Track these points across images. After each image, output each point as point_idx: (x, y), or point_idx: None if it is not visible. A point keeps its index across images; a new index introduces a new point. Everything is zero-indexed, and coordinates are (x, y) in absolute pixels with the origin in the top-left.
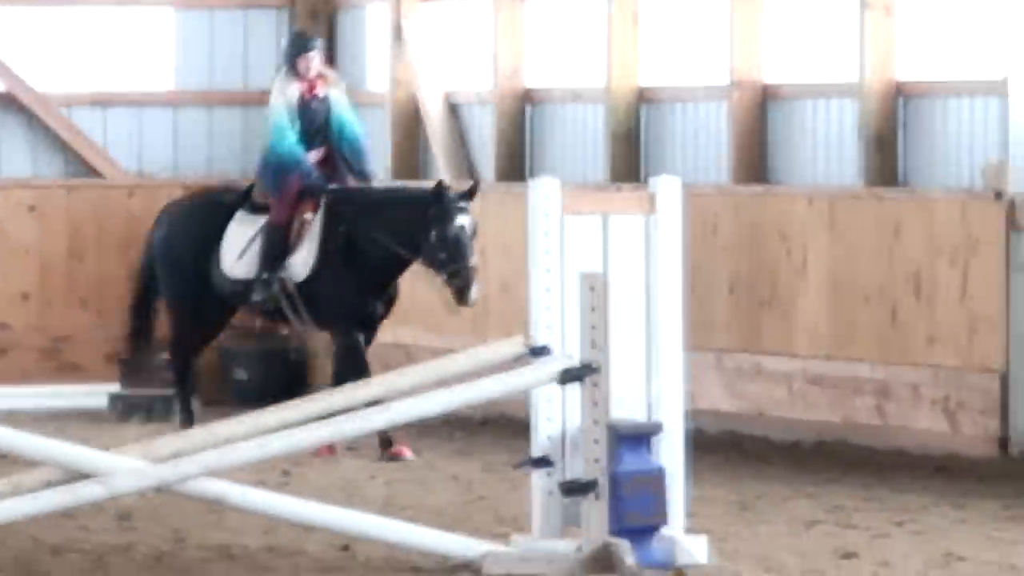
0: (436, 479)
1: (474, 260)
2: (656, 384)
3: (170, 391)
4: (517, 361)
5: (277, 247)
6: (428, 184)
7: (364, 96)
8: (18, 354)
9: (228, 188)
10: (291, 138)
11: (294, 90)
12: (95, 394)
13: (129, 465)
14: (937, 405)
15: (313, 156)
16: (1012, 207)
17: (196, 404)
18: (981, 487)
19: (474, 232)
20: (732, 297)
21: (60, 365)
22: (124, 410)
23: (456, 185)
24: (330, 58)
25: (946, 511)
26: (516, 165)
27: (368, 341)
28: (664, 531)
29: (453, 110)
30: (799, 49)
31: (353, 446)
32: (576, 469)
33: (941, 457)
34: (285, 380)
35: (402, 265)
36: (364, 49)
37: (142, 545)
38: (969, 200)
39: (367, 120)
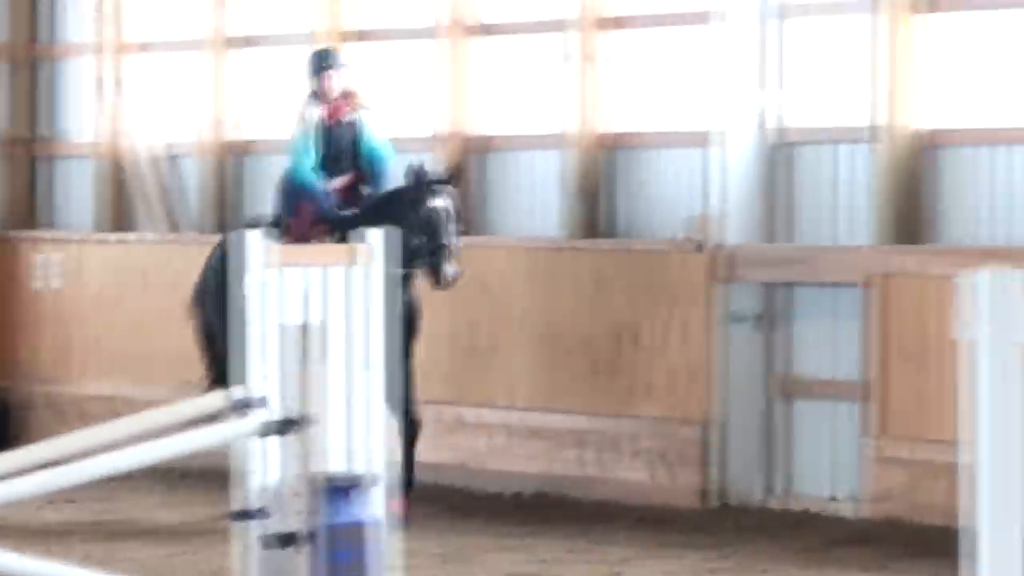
0: (138, 532)
1: (452, 239)
2: (364, 436)
3: None
4: (223, 413)
5: None
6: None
7: (70, 147)
8: None
9: (260, 217)
10: (307, 163)
11: (315, 113)
12: None
13: None
14: (640, 456)
15: (336, 183)
16: (714, 259)
17: None
18: (683, 538)
19: (455, 213)
20: (439, 348)
21: None
22: None
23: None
24: (32, 109)
25: (649, 563)
26: (223, 216)
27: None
28: None
29: (166, 161)
30: (506, 101)
31: (71, 498)
32: (288, 521)
33: (644, 508)
34: None
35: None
36: (69, 100)
37: None
38: (672, 251)
39: (71, 172)
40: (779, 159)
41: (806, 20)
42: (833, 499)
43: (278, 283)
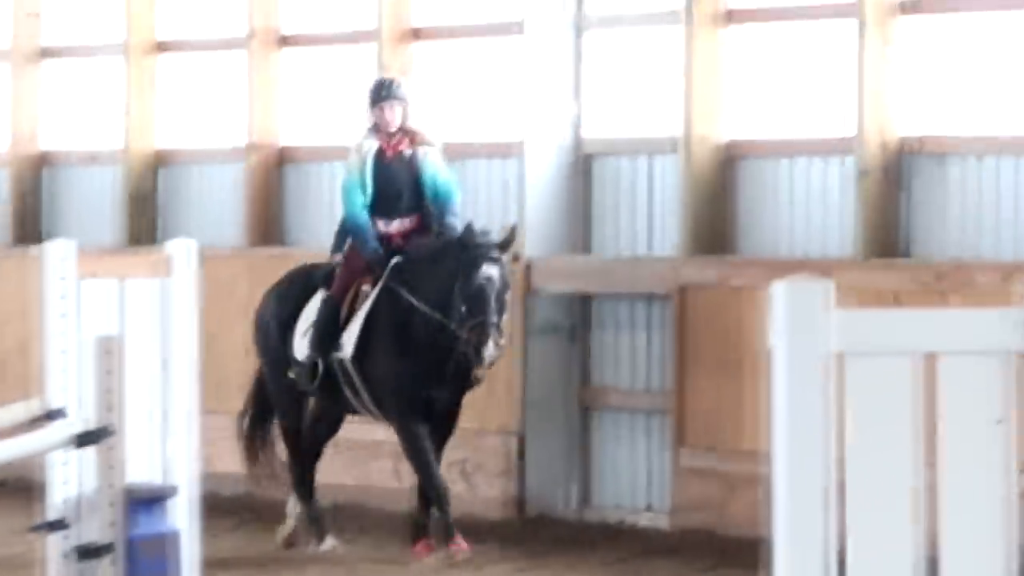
0: None
1: (494, 317)
2: (171, 447)
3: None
4: (33, 424)
5: (328, 324)
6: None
7: None
8: None
9: (317, 264)
10: (358, 202)
11: (371, 145)
12: None
13: None
14: (455, 467)
15: (397, 226)
16: (528, 270)
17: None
18: (498, 548)
19: (503, 285)
20: (248, 359)
21: None
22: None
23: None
24: None
25: (459, 573)
26: (32, 228)
27: (441, 432)
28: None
29: None
30: (314, 110)
31: None
32: (91, 532)
33: (458, 518)
34: None
35: (451, 335)
36: None
37: None
38: None
39: None
40: (584, 170)
41: (612, 32)
42: (642, 510)
43: (79, 295)
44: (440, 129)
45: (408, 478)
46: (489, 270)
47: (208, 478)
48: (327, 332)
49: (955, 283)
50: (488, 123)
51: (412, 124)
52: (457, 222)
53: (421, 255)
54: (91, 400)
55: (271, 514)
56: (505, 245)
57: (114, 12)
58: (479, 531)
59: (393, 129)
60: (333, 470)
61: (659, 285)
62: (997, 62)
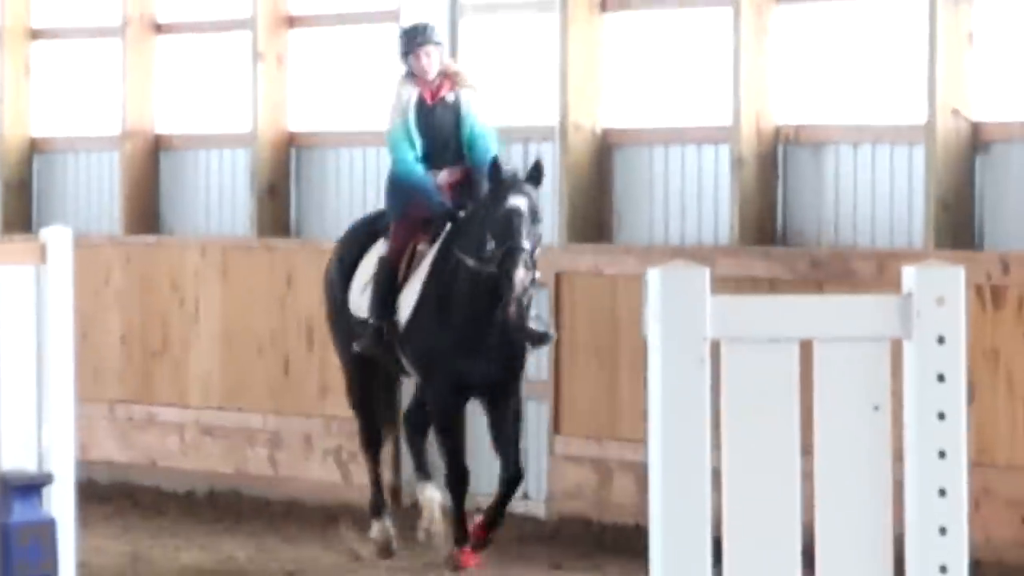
0: None
1: (523, 242)
2: (47, 435)
3: None
4: None
5: (384, 287)
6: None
7: None
8: None
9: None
10: (409, 155)
11: (411, 95)
12: None
13: None
14: (329, 455)
15: (444, 177)
16: None
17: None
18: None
19: (533, 216)
20: (125, 347)
21: None
22: None
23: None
24: None
25: (338, 561)
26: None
27: (498, 411)
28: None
29: None
30: (192, 99)
31: None
32: None
33: (334, 507)
34: None
35: (490, 283)
36: None
37: None
38: None
39: None
40: None
41: (488, 19)
42: (519, 497)
43: None
44: (319, 116)
45: (283, 466)
46: (516, 200)
47: (84, 466)
48: (385, 295)
49: (831, 271)
50: (365, 110)
51: (451, 65)
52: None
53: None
54: None
55: (148, 500)
56: (533, 178)
57: None
58: (353, 519)
59: (432, 76)
60: (210, 458)
61: (541, 272)
62: (872, 51)
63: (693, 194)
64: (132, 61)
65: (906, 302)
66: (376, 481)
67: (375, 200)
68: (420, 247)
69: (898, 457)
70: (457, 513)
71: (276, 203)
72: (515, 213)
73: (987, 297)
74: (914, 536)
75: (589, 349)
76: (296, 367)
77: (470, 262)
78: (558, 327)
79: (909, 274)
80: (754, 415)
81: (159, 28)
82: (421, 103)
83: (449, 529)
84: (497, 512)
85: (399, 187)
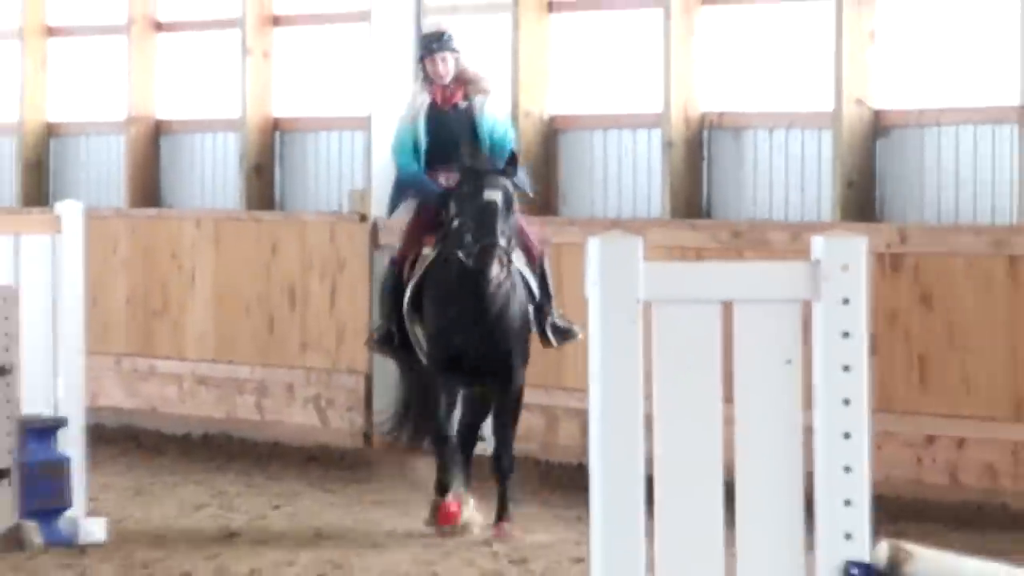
0: None
1: (498, 239)
2: (61, 384)
3: None
4: None
5: (389, 291)
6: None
7: None
8: None
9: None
10: (407, 157)
11: (423, 98)
12: None
13: None
14: (309, 402)
15: (443, 179)
16: (375, 228)
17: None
18: (348, 474)
19: (507, 208)
20: (129, 308)
21: None
22: None
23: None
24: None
25: (317, 495)
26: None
27: (501, 404)
28: (68, 513)
29: None
30: (188, 89)
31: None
32: None
33: (313, 448)
34: None
35: (473, 275)
36: None
37: None
38: (337, 222)
39: None
40: None
41: (449, 19)
42: (480, 439)
43: None
44: (302, 103)
45: (268, 412)
46: (490, 194)
47: (93, 412)
48: (392, 297)
49: (750, 241)
50: (341, 98)
51: (467, 71)
52: (513, 168)
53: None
54: None
55: (149, 443)
56: (506, 170)
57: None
58: (331, 459)
59: (446, 81)
60: (203, 405)
61: None
62: (785, 47)
63: (629, 173)
64: (136, 55)
65: (815, 268)
66: (443, 467)
67: (349, 177)
68: (425, 251)
69: (808, 405)
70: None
71: (262, 181)
72: (489, 207)
73: (887, 263)
74: (822, 474)
75: None
76: (280, 325)
77: (459, 254)
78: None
79: (818, 243)
80: (681, 368)
81: (160, 26)
82: (433, 106)
83: (481, 518)
84: (504, 504)
85: (397, 185)
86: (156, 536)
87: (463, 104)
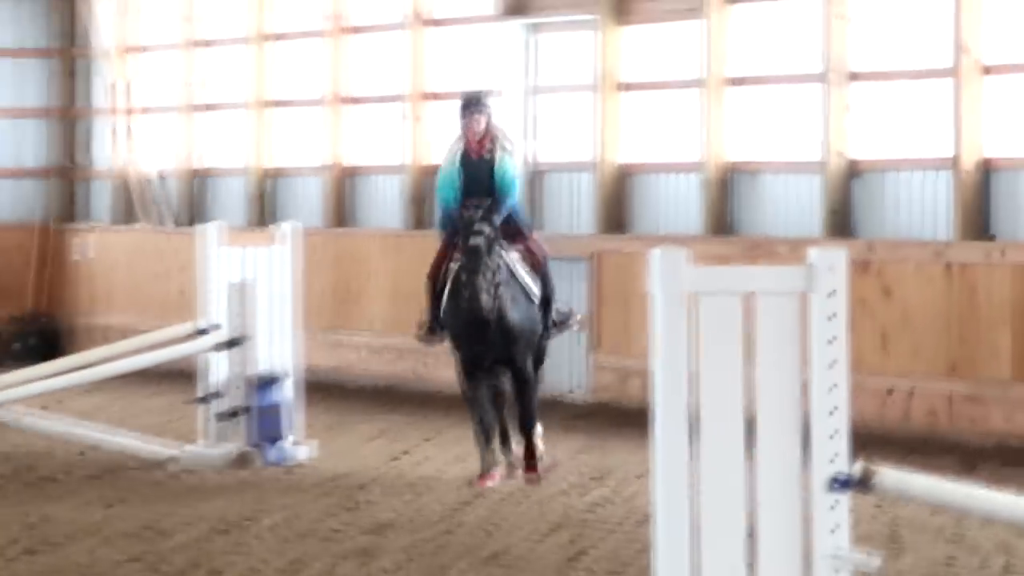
0: (138, 411)
1: (483, 274)
2: (280, 350)
3: None
4: (191, 336)
5: (429, 294)
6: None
7: (96, 173)
8: None
9: None
10: (446, 193)
11: (457, 147)
12: None
13: None
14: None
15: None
16: None
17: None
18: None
19: (488, 248)
20: (325, 297)
21: None
22: None
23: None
24: (71, 150)
25: (458, 431)
26: (192, 216)
27: (516, 385)
28: (283, 443)
29: (157, 180)
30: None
31: (92, 390)
32: (226, 403)
33: (458, 397)
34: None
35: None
36: (94, 144)
37: None
38: None
39: (96, 188)
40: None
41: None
42: (567, 392)
43: (226, 256)
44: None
45: (426, 370)
46: (475, 240)
47: (303, 370)
48: (431, 300)
49: (763, 251)
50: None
51: (495, 129)
52: (503, 210)
53: None
54: (232, 320)
55: (341, 393)
56: (485, 217)
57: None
58: (434, 405)
59: (478, 136)
60: (382, 363)
61: (583, 251)
62: (785, 114)
63: (676, 204)
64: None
65: (810, 270)
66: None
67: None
68: (452, 264)
69: (805, 366)
70: (507, 454)
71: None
72: (473, 252)
73: (859, 266)
74: (815, 414)
75: (615, 297)
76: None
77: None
78: (597, 284)
79: (812, 253)
80: (715, 339)
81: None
82: (466, 155)
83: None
84: (530, 449)
85: (440, 216)
86: (347, 457)
87: (487, 156)
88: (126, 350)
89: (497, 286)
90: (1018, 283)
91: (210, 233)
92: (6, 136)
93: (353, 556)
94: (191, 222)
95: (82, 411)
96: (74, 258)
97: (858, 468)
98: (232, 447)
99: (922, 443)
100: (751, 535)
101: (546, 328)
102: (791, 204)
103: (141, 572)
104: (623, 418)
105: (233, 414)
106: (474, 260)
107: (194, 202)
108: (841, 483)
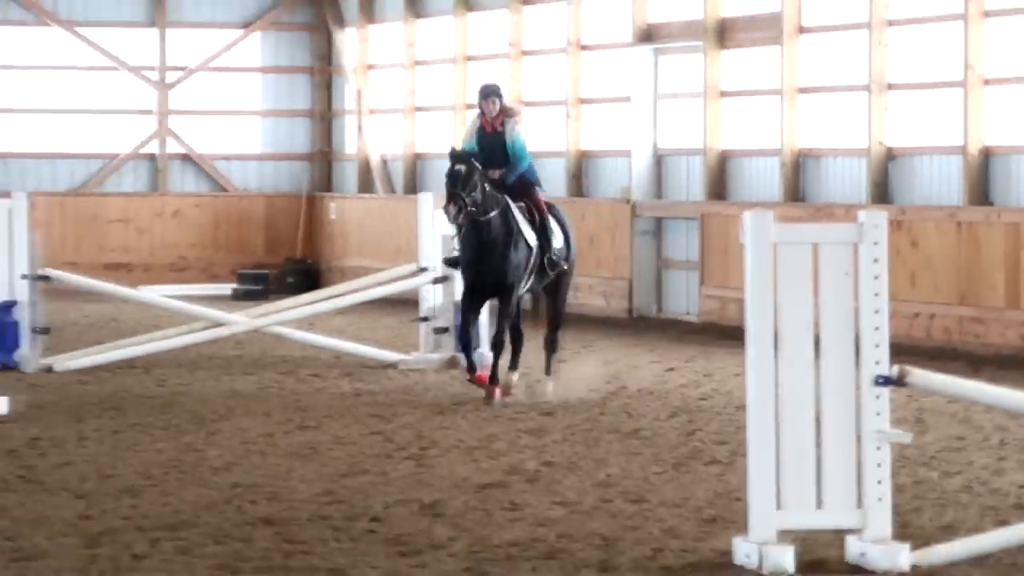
0: (375, 327)
1: (460, 194)
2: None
3: None
4: (413, 274)
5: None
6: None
7: (345, 155)
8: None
9: None
10: (468, 148)
11: (475, 123)
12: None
13: (239, 319)
14: (600, 294)
15: (492, 173)
16: (633, 207)
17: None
18: (615, 333)
19: (468, 175)
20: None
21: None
22: None
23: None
24: (329, 140)
25: (603, 344)
26: (412, 188)
27: (502, 303)
28: (481, 351)
29: (386, 162)
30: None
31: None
32: (439, 322)
33: (599, 319)
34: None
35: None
36: (343, 135)
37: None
38: (615, 204)
39: (345, 167)
40: None
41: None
42: (684, 313)
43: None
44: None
45: (585, 300)
46: (457, 166)
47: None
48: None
49: (825, 214)
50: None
51: (506, 107)
52: (513, 173)
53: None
54: (440, 262)
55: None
56: (464, 154)
57: None
58: (610, 325)
59: (493, 115)
60: None
61: (695, 213)
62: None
63: (763, 181)
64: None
65: (860, 228)
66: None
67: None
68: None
69: (855, 296)
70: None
71: None
72: (453, 174)
73: (894, 225)
74: (864, 331)
75: (718, 248)
76: (590, 259)
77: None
78: (703, 239)
79: (861, 215)
80: (791, 277)
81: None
82: (482, 131)
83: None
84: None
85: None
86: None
87: (500, 129)
88: (366, 284)
89: (469, 206)
90: (1010, 237)
91: (426, 199)
92: (282, 130)
93: (530, 433)
94: (413, 191)
95: (335, 327)
96: (331, 217)
97: (895, 370)
98: (443, 354)
99: (940, 352)
100: (818, 418)
101: (544, 268)
102: (845, 179)
103: (380, 443)
104: (724, 333)
105: (444, 330)
106: (452, 179)
107: (416, 177)
108: (883, 380)
